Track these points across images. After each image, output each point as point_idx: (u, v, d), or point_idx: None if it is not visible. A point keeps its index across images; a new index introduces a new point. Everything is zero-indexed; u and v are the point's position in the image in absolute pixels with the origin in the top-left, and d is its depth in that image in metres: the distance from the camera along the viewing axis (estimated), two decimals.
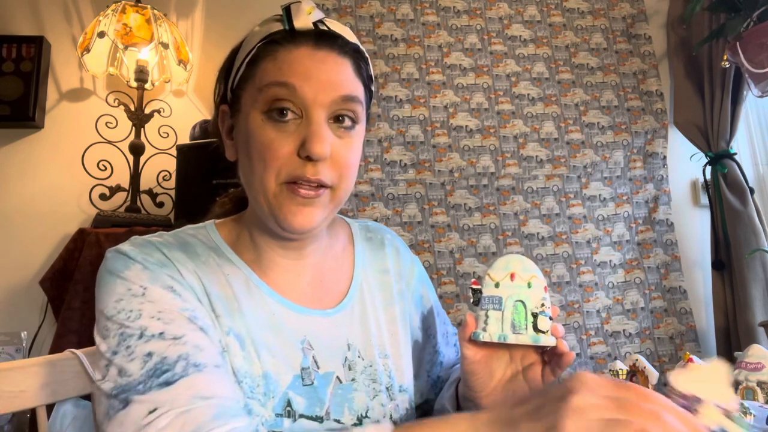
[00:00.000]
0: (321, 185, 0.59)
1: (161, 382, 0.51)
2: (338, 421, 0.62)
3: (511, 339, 0.60)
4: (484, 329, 0.61)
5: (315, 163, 0.58)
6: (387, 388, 0.68)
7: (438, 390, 0.83)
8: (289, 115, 0.59)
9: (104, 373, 0.54)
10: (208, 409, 0.50)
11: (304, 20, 0.61)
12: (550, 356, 0.62)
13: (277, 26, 0.62)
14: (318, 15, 0.62)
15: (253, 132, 0.59)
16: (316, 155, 0.57)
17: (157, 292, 0.57)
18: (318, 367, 0.63)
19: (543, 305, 0.61)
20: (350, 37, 0.64)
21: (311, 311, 0.66)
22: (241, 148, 0.63)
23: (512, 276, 0.63)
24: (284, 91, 0.58)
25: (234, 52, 0.67)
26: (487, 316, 0.62)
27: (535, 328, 0.60)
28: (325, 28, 0.62)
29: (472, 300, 0.64)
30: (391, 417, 0.66)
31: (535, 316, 0.61)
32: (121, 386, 0.52)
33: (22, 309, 1.72)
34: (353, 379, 0.65)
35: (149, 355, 0.53)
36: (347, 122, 0.61)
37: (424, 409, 0.86)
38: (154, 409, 0.49)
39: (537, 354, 0.63)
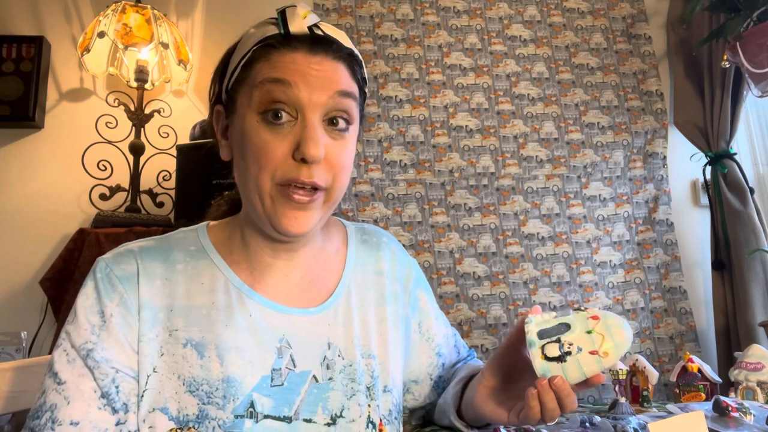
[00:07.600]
0: (315, 188, 0.60)
1: (30, 426, 0.57)
2: (309, 421, 0.62)
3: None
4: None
5: (309, 166, 0.59)
6: (368, 388, 0.68)
7: (441, 390, 0.83)
8: (284, 117, 0.59)
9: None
10: None
11: (299, 24, 0.61)
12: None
13: (273, 30, 0.62)
14: (313, 19, 0.62)
15: (249, 133, 0.60)
16: (310, 158, 0.58)
17: (87, 328, 0.59)
18: (295, 366, 0.64)
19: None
20: (345, 41, 0.64)
21: (293, 310, 0.66)
22: (236, 148, 0.63)
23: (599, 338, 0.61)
24: (279, 87, 0.59)
25: (229, 53, 0.67)
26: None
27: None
28: (320, 33, 0.62)
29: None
30: (369, 417, 0.66)
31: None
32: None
33: (22, 309, 1.72)
34: (330, 378, 0.65)
35: (42, 392, 0.59)
36: (341, 124, 0.62)
37: (426, 409, 0.86)
38: None
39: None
